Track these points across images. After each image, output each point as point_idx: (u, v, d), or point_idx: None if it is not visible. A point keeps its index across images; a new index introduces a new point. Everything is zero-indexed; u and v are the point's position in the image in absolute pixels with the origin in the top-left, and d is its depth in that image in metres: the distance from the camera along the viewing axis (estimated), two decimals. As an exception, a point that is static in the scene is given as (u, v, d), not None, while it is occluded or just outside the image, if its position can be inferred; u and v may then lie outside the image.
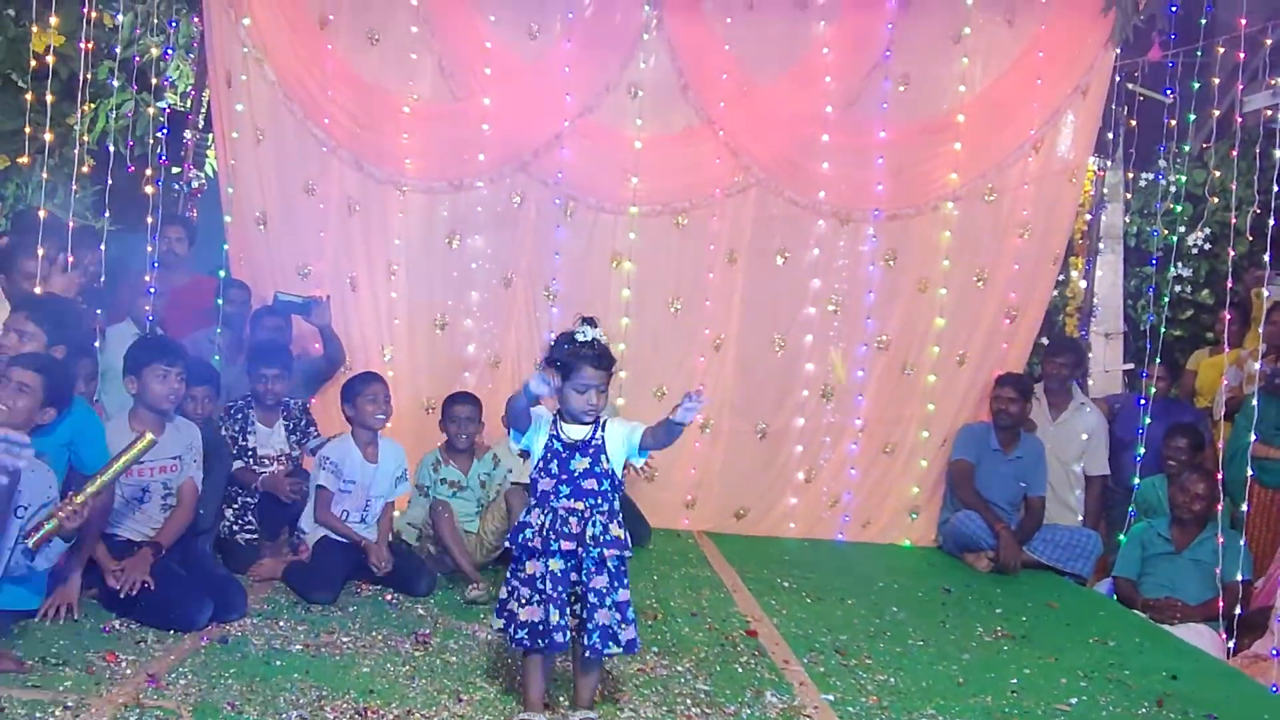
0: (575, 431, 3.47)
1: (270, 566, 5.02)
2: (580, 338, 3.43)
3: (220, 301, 5.87)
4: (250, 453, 5.34)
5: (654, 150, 6.71)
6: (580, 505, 3.41)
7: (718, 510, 6.84)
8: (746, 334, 6.84)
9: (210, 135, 6.76)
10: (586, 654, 3.39)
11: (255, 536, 5.28)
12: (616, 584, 3.43)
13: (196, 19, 6.68)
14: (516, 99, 6.66)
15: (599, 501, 3.44)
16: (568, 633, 3.35)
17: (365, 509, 5.04)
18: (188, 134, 6.84)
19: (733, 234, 6.79)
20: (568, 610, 3.37)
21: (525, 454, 3.79)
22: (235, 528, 5.26)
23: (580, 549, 3.38)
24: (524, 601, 3.38)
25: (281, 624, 4.27)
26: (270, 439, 5.42)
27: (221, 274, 6.01)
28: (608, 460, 3.47)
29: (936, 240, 6.77)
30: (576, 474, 3.43)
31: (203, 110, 6.84)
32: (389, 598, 4.80)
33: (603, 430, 3.49)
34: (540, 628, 3.33)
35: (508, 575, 3.48)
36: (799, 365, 6.83)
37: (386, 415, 5.11)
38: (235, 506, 5.26)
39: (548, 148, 6.67)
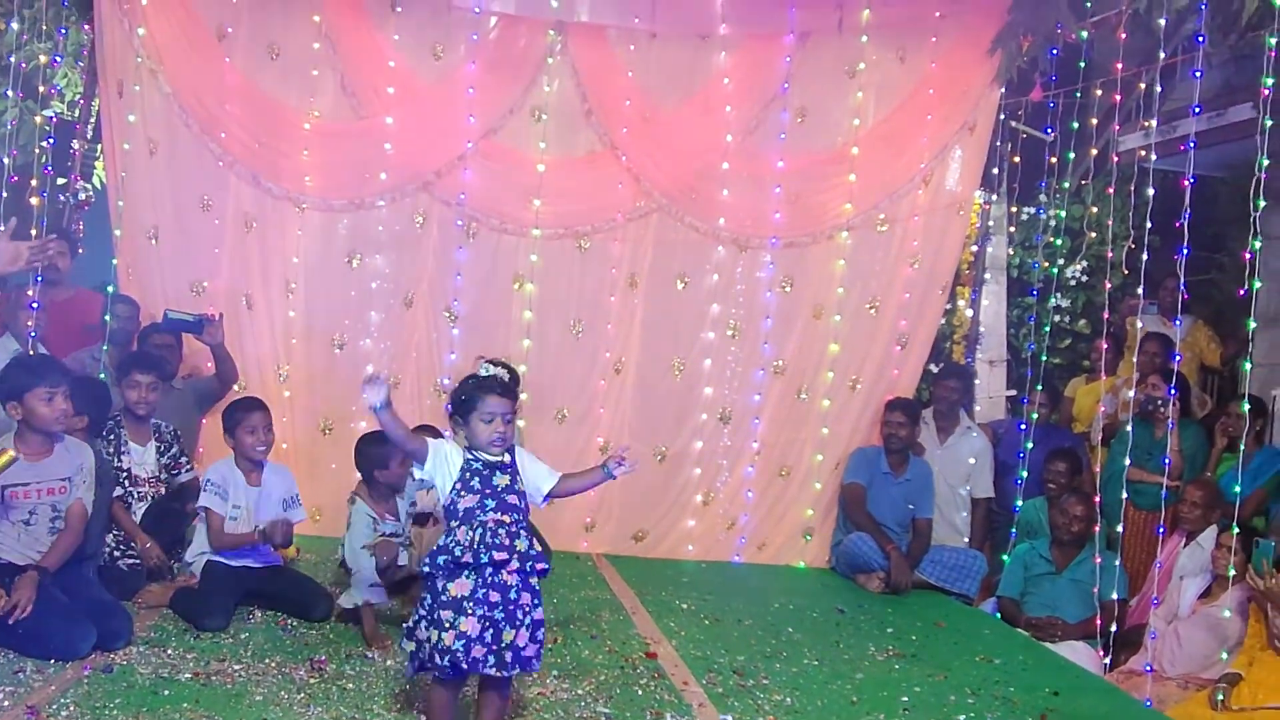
0: (485, 456, 3.47)
1: (157, 593, 4.86)
2: (482, 373, 3.45)
3: (107, 318, 5.70)
4: (125, 474, 5.17)
5: (557, 173, 6.76)
6: (507, 519, 3.40)
7: (617, 533, 6.88)
8: (646, 357, 6.92)
9: (99, 146, 6.57)
10: (500, 674, 3.33)
11: (138, 562, 5.10)
12: (536, 601, 3.43)
13: (87, 26, 6.49)
14: (420, 119, 6.65)
15: (520, 518, 3.45)
16: (489, 653, 3.29)
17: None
18: (75, 144, 6.63)
19: (634, 258, 6.87)
20: (488, 630, 3.32)
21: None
22: (117, 553, 5.08)
23: (513, 560, 3.37)
24: (447, 625, 3.28)
25: (169, 652, 4.15)
26: (144, 458, 5.24)
27: (110, 289, 5.83)
28: (522, 483, 3.49)
29: (831, 268, 6.95)
30: (500, 489, 3.43)
31: (92, 120, 6.64)
32: (284, 623, 4.69)
33: (515, 456, 3.51)
34: (464, 651, 3.25)
35: (421, 602, 3.40)
36: (698, 389, 6.93)
37: (267, 445, 4.93)
38: (116, 531, 5.08)
39: (450, 168, 6.67)
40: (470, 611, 3.29)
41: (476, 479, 3.43)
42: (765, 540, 6.97)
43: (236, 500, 4.86)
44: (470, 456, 3.45)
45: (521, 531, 3.43)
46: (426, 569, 3.39)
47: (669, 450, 6.91)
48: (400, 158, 6.59)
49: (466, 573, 3.33)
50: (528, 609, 3.38)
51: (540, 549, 3.49)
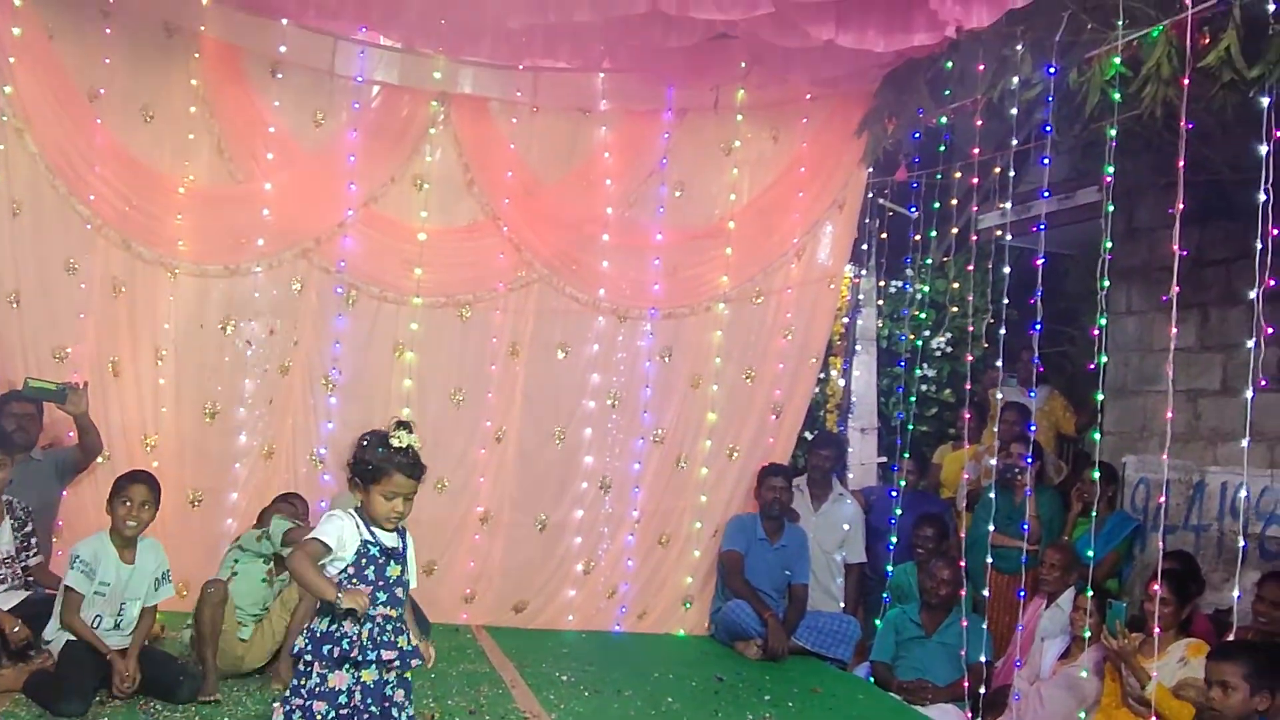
0: (389, 538, 3.40)
1: (9, 676, 4.61)
2: (395, 443, 3.36)
3: (-38, 386, 5.44)
4: (-22, 552, 4.92)
5: (439, 242, 6.77)
6: (394, 613, 3.35)
7: (497, 604, 6.82)
8: (527, 426, 6.92)
9: (-42, 205, 6.29)
10: None
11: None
12: (409, 697, 3.37)
13: (-51, 84, 6.25)
14: (299, 185, 6.59)
15: (404, 612, 3.39)
16: None
17: (120, 614, 4.71)
18: (-68, 203, 6.34)
19: (515, 327, 6.91)
20: None
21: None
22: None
23: (397, 659, 3.31)
24: (319, 718, 3.21)
25: (23, 739, 3.94)
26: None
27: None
28: (407, 570, 3.44)
29: (709, 339, 7.11)
30: (392, 580, 3.36)
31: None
32: (146, 706, 4.50)
33: (407, 540, 3.46)
34: None
35: (293, 691, 3.30)
36: (578, 458, 6.96)
37: (139, 522, 4.74)
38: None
39: (330, 235, 6.62)
40: (345, 709, 3.22)
41: (371, 568, 3.35)
42: (645, 609, 6.99)
43: (105, 577, 4.66)
44: (368, 539, 3.36)
45: (403, 626, 3.37)
46: (307, 653, 3.29)
47: (549, 519, 6.91)
48: (278, 224, 6.51)
49: (348, 667, 3.26)
50: (402, 705, 3.34)
51: (418, 629, 3.45)
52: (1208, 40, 4.47)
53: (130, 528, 4.72)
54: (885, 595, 6.58)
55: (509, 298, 6.90)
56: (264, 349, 6.57)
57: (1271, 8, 4.18)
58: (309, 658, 3.28)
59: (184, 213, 6.38)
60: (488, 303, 6.88)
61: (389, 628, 3.32)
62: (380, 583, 3.34)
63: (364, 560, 3.35)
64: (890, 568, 6.63)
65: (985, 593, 5.94)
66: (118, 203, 6.21)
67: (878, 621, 6.37)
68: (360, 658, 3.25)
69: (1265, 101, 4.28)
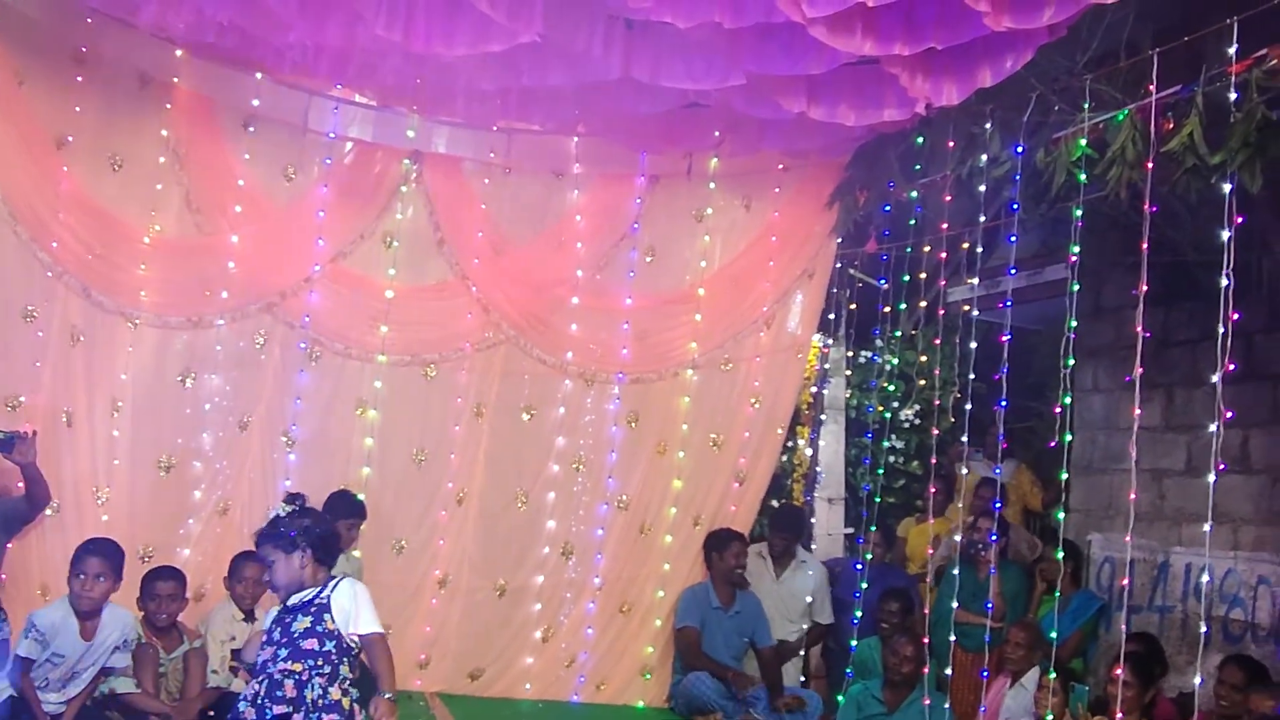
0: (297, 597, 3.38)
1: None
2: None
3: (-91, 434, 5.29)
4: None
5: (406, 301, 6.72)
6: (298, 667, 3.28)
7: (453, 670, 6.67)
8: (490, 489, 6.83)
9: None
10: None
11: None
12: None
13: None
14: (267, 239, 6.53)
15: (319, 663, 3.30)
16: None
17: (70, 679, 4.57)
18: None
19: (481, 388, 6.84)
20: None
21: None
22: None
23: (295, 712, 3.22)
24: None
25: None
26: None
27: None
28: (332, 620, 3.36)
29: (676, 405, 7.07)
30: (296, 634, 3.31)
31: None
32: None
33: (331, 590, 3.39)
34: None
35: None
36: (541, 522, 6.87)
37: (99, 593, 4.68)
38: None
39: (296, 290, 6.54)
40: None
41: (278, 629, 3.37)
42: (605, 678, 6.86)
43: (61, 650, 4.57)
44: (283, 606, 3.37)
45: (316, 679, 3.29)
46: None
47: (509, 584, 6.79)
48: (244, 277, 6.43)
49: None
50: None
51: (342, 699, 3.35)
52: (1171, 125, 4.54)
53: (83, 601, 4.62)
54: (848, 670, 6.47)
55: (475, 358, 6.84)
56: (223, 403, 6.46)
57: (1233, 96, 4.25)
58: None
59: (148, 263, 6.28)
60: (453, 362, 6.82)
61: (288, 683, 3.28)
62: (284, 640, 3.33)
63: (274, 626, 3.39)
64: (854, 642, 6.53)
65: (948, 671, 5.85)
66: (80, 250, 6.10)
67: (840, 697, 6.26)
68: (255, 716, 3.24)
69: (1227, 187, 4.33)
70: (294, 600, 3.37)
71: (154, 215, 6.31)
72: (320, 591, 3.40)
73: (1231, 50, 4.22)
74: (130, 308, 6.23)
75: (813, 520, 7.79)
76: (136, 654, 4.95)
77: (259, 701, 3.24)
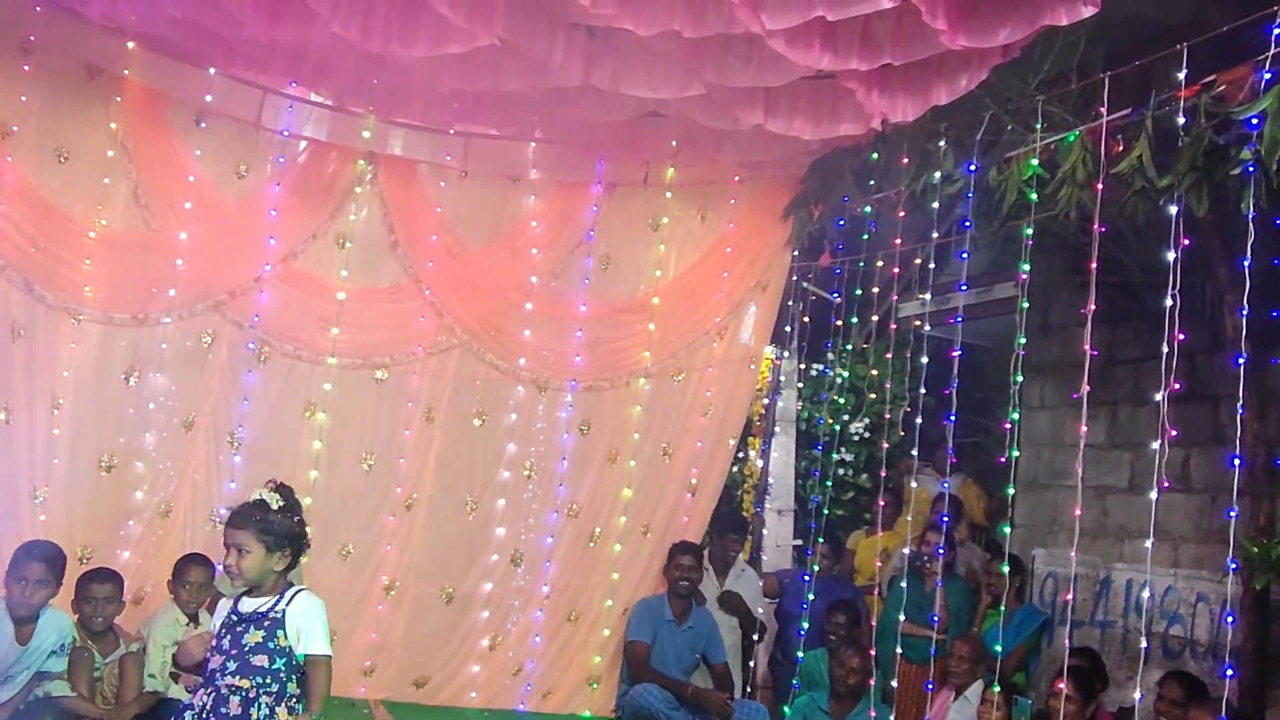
0: (251, 604, 3.28)
1: None
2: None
3: None
4: None
5: (358, 303, 6.64)
6: (245, 683, 3.20)
7: (397, 678, 6.59)
8: (439, 494, 6.77)
9: None
10: None
11: None
12: None
13: None
14: (217, 237, 6.43)
15: (267, 681, 3.22)
16: None
17: (3, 682, 4.45)
18: None
19: (432, 393, 6.78)
20: None
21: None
22: None
23: None
24: None
25: None
26: None
27: None
28: (285, 637, 3.28)
29: (628, 414, 7.05)
30: (247, 648, 3.22)
31: None
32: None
33: (287, 603, 3.31)
34: None
35: None
36: (490, 529, 6.82)
37: (39, 599, 4.58)
38: None
39: (245, 289, 6.44)
40: None
41: (228, 637, 3.27)
42: (551, 687, 6.81)
43: (-6, 652, 4.42)
44: (233, 608, 3.28)
45: (264, 698, 3.21)
46: None
47: (457, 591, 6.74)
48: (192, 275, 6.31)
49: None
50: None
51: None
52: (1121, 148, 4.61)
53: (26, 607, 4.52)
54: (795, 682, 6.49)
55: (427, 362, 6.78)
56: (168, 402, 6.34)
57: (1182, 120, 4.33)
58: None
59: (93, 258, 6.14)
60: (405, 366, 6.75)
61: (234, 700, 3.20)
62: (234, 651, 3.24)
63: (224, 629, 3.28)
64: (801, 654, 6.55)
65: (894, 683, 5.89)
66: (23, 243, 5.96)
67: (787, 709, 6.27)
68: None
69: (1174, 210, 4.41)
70: (247, 606, 3.26)
71: (100, 209, 6.19)
72: (276, 603, 3.30)
73: (1181, 75, 4.30)
74: (74, 303, 6.09)
75: (763, 531, 7.81)
76: (72, 658, 4.84)
77: (204, 717, 3.15)
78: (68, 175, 6.15)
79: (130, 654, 5.10)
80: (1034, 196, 5.05)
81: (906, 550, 6.27)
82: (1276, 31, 3.95)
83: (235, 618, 3.29)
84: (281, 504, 3.45)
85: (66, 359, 6.10)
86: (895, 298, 6.46)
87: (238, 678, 3.21)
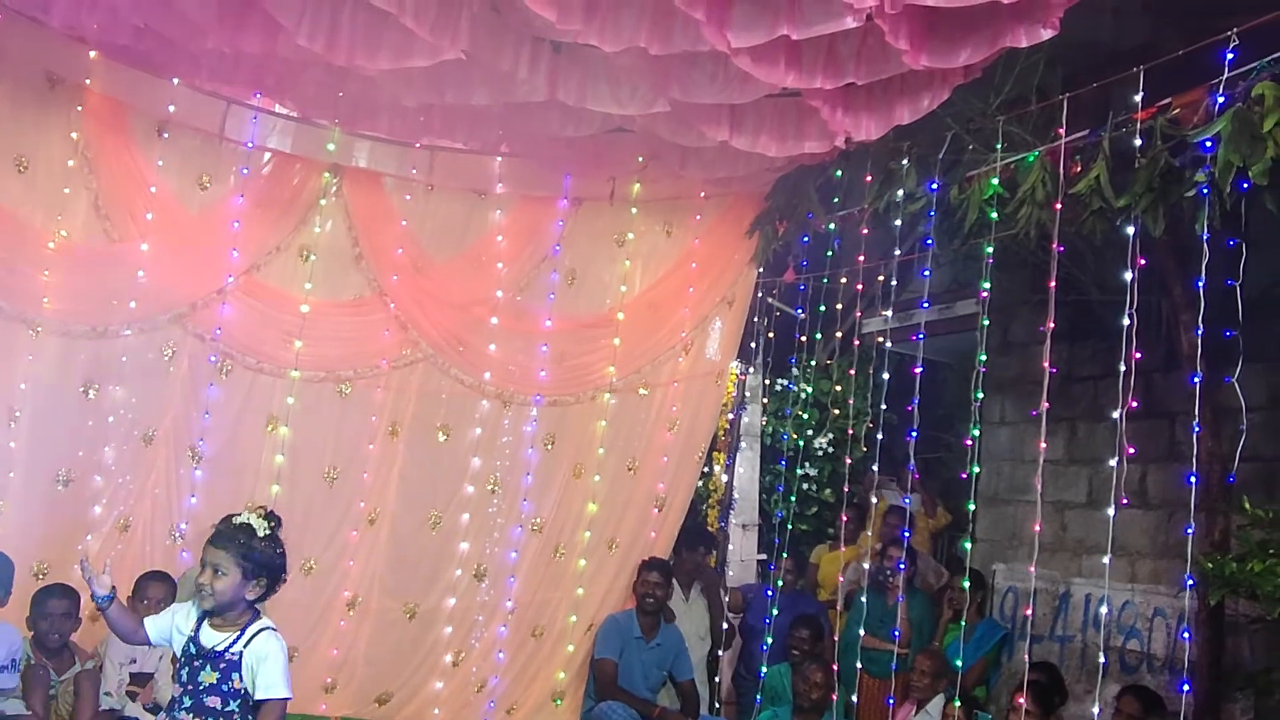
0: (211, 637, 3.22)
1: None
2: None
3: None
4: None
5: (322, 316, 6.59)
6: None
7: (359, 695, 6.52)
8: (403, 509, 6.73)
9: None
10: None
11: None
12: None
13: None
14: (179, 248, 6.35)
15: None
16: None
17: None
18: None
19: (396, 407, 6.74)
20: None
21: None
22: None
23: None
24: None
25: None
26: None
27: None
28: (240, 679, 3.21)
29: (593, 429, 7.05)
30: (202, 687, 3.17)
31: None
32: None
33: (245, 644, 3.25)
34: None
35: None
36: (454, 544, 6.79)
37: None
38: None
39: (208, 302, 6.36)
40: None
41: (186, 669, 3.20)
42: (515, 704, 6.78)
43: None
44: (193, 635, 3.21)
45: None
46: None
47: (420, 607, 6.69)
48: (153, 286, 6.23)
49: None
50: None
51: None
52: (1079, 168, 4.69)
53: None
54: (758, 697, 6.50)
55: (391, 376, 6.74)
56: (128, 415, 6.26)
57: (1138, 142, 4.41)
58: None
59: (52, 269, 6.05)
60: (369, 380, 6.71)
61: None
62: (191, 686, 3.18)
63: (184, 658, 3.21)
64: (764, 668, 6.56)
65: (854, 697, 5.91)
66: (-20, 255, 5.89)
67: (749, 724, 6.28)
68: None
69: (1130, 230, 4.48)
70: (206, 639, 3.18)
71: (60, 219, 6.09)
72: (234, 642, 3.22)
73: (1138, 98, 4.38)
74: (31, 314, 5.99)
75: (728, 546, 7.82)
76: (26, 675, 4.76)
77: None
78: (27, 184, 6.05)
79: (86, 671, 5.02)
80: (994, 215, 5.13)
81: (866, 565, 6.31)
82: (1230, 56, 4.04)
83: (194, 649, 3.20)
84: (268, 533, 3.39)
85: (24, 371, 6.00)
86: (859, 314, 6.52)
87: (191, 715, 3.15)
